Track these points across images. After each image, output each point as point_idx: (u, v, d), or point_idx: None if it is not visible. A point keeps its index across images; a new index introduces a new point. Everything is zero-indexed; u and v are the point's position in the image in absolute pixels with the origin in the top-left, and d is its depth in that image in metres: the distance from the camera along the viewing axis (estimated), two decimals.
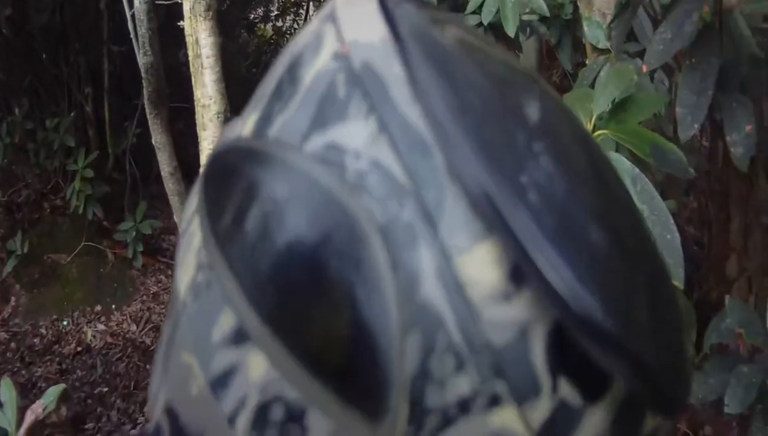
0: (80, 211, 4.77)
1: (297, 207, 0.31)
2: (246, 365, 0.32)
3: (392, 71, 0.32)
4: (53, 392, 2.71)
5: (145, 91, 3.17)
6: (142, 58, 3.10)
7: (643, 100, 1.72)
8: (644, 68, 1.77)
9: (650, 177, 2.41)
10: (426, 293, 0.30)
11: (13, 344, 4.37)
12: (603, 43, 2.07)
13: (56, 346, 4.39)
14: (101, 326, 4.50)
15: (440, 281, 0.30)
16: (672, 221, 1.56)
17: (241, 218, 0.33)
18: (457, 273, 0.30)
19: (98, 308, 4.60)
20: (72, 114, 5.04)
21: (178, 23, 2.78)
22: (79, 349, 4.34)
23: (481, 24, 2.70)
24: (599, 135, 1.63)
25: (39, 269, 4.81)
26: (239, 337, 0.32)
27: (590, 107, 1.71)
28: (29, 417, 2.53)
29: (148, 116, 3.18)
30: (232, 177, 0.34)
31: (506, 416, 0.30)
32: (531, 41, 3.16)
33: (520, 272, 0.30)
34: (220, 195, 0.34)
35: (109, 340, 4.35)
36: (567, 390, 0.31)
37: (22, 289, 4.71)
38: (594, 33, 2.08)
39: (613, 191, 0.37)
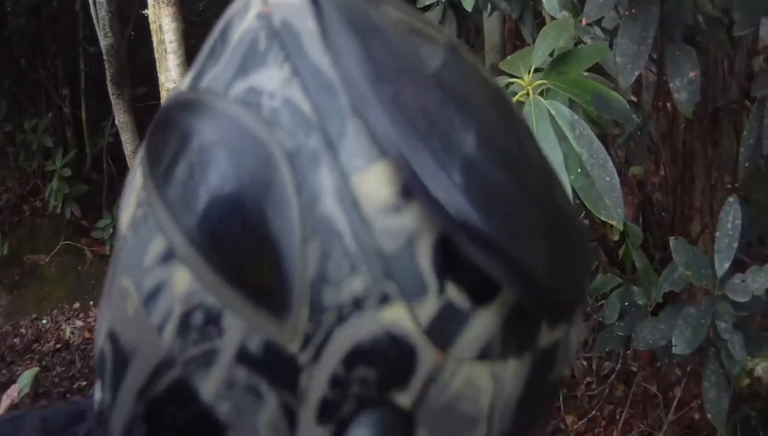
0: (58, 210, 4.77)
1: (220, 143, 0.36)
2: (172, 280, 0.37)
3: (307, 27, 0.37)
4: (28, 375, 2.71)
5: (107, 73, 3.18)
6: (103, 40, 3.11)
7: (583, 51, 1.71)
8: (583, 21, 1.76)
9: (614, 152, 2.41)
10: (325, 208, 0.34)
11: None
12: (559, 13, 2.05)
13: (36, 344, 4.39)
14: (79, 323, 4.49)
15: (338, 198, 0.34)
16: (611, 164, 1.54)
17: (174, 158, 0.38)
18: (353, 190, 0.34)
19: (77, 305, 4.59)
20: (50, 115, 5.04)
21: (143, 11, 2.80)
22: (58, 346, 4.34)
23: (439, 2, 2.70)
24: (538, 85, 1.63)
25: (19, 270, 4.81)
26: (168, 257, 0.37)
27: (529, 61, 1.70)
28: (5, 401, 2.54)
29: (111, 97, 3.18)
30: (168, 125, 0.40)
31: (396, 312, 0.34)
32: (494, 18, 3.15)
33: (410, 189, 0.34)
34: (158, 142, 0.40)
35: (87, 335, 4.35)
36: (454, 293, 0.34)
37: (2, 290, 4.71)
38: (551, 3, 2.07)
39: (513, 133, 0.41)
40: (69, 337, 4.38)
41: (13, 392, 2.58)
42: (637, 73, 1.70)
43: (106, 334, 0.41)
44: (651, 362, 2.65)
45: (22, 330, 4.50)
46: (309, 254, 0.34)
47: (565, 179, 1.52)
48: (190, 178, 0.37)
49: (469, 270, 0.34)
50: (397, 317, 0.34)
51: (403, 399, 0.35)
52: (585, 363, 2.86)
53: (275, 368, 0.35)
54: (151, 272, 0.38)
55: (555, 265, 0.36)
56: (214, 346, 0.36)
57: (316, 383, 0.35)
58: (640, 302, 2.01)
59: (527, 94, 1.61)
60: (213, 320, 0.36)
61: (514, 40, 3.76)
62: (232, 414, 0.36)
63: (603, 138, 1.66)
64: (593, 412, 2.70)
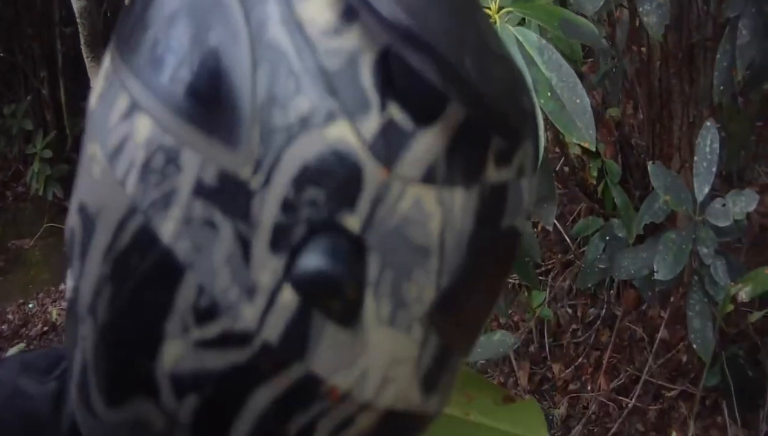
0: (41, 193, 4.73)
1: None
2: (134, 131, 0.38)
3: None
4: (15, 351, 2.70)
5: (81, 36, 3.13)
6: (76, 3, 3.06)
7: None
8: None
9: (590, 94, 2.38)
10: (272, 34, 0.36)
11: None
12: None
13: (23, 329, 4.34)
14: (66, 304, 4.45)
15: (284, 24, 0.36)
16: (581, 86, 1.52)
17: (134, 25, 0.40)
18: (297, 16, 0.36)
19: (62, 286, 4.55)
20: (29, 98, 5.00)
21: None
22: (45, 329, 4.30)
23: None
24: (506, 12, 1.60)
25: (4, 256, 4.78)
26: (130, 110, 0.38)
27: None
28: None
29: (86, 61, 3.13)
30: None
31: (340, 129, 0.36)
32: None
33: (351, 10, 0.36)
34: (124, 18, 0.41)
35: None
36: (396, 110, 0.36)
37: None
38: None
39: None
40: (56, 319, 4.34)
41: None
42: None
43: (76, 210, 0.41)
44: (636, 305, 2.63)
45: (9, 316, 4.46)
46: (258, 78, 0.36)
47: (536, 103, 1.48)
48: (145, 29, 0.39)
49: (412, 88, 0.36)
50: (342, 133, 0.36)
51: (352, 221, 0.36)
52: (570, 311, 2.84)
53: (229, 196, 0.36)
54: (116, 129, 0.39)
55: (499, 82, 0.38)
56: (173, 184, 0.37)
57: (267, 208, 0.36)
58: (620, 235, 1.98)
59: (495, 22, 1.59)
60: (172, 159, 0.37)
61: None
62: (191, 252, 0.37)
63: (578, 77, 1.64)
64: (580, 359, 2.68)
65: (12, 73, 5.21)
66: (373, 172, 0.36)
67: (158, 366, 0.38)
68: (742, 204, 1.65)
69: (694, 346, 1.80)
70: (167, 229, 0.37)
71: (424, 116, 0.36)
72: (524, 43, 1.52)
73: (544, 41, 1.54)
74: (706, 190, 1.67)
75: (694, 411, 2.22)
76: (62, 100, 5.00)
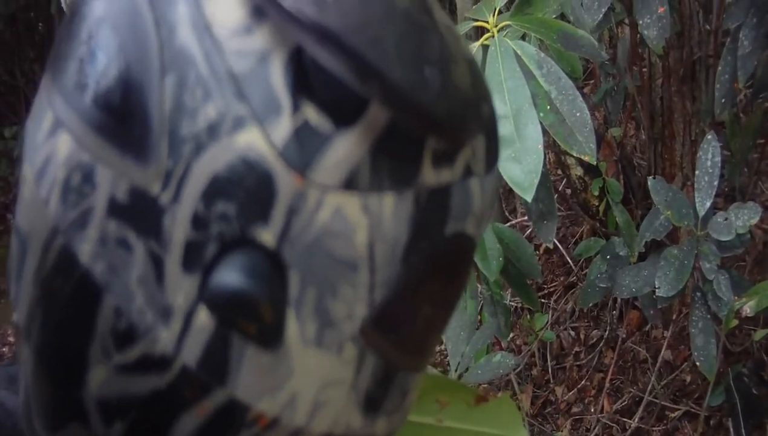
0: None
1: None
2: (57, 149, 0.36)
3: None
4: None
5: None
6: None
7: None
8: None
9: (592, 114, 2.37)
10: (181, 38, 0.34)
11: None
12: None
13: None
14: None
15: (192, 27, 0.34)
16: (581, 100, 1.50)
17: (59, 42, 0.38)
18: (206, 17, 0.34)
19: None
20: None
21: None
22: None
23: None
24: (504, 26, 1.59)
25: (5, 278, 4.76)
26: (54, 128, 0.36)
27: (493, 3, 1.66)
28: None
29: None
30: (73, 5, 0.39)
31: (250, 136, 0.33)
32: None
33: (261, 9, 0.34)
34: (61, 33, 0.39)
35: None
36: (311, 112, 0.33)
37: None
38: None
39: None
40: None
41: None
42: (603, 10, 1.66)
43: (14, 232, 0.40)
44: (639, 326, 2.60)
45: (11, 338, 4.45)
46: (166, 87, 0.34)
47: (535, 117, 1.47)
48: (67, 45, 0.37)
49: (328, 87, 0.33)
50: (251, 139, 0.33)
51: (266, 236, 0.33)
52: (572, 333, 2.81)
53: (140, 214, 0.34)
54: (42, 148, 0.37)
55: (434, 80, 0.34)
56: (90, 203, 0.35)
57: (178, 225, 0.34)
58: (621, 254, 1.95)
59: (492, 36, 1.57)
60: (88, 177, 0.35)
61: None
62: (107, 274, 0.35)
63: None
64: (583, 382, 2.65)
65: (13, 95, 5.21)
66: (285, 180, 0.33)
67: (86, 392, 0.37)
68: (744, 217, 1.62)
69: (698, 364, 1.77)
70: (85, 250, 0.35)
71: (342, 116, 0.34)
72: (523, 56, 1.51)
73: (543, 54, 1.53)
74: (708, 204, 1.65)
75: (699, 431, 2.18)
76: None
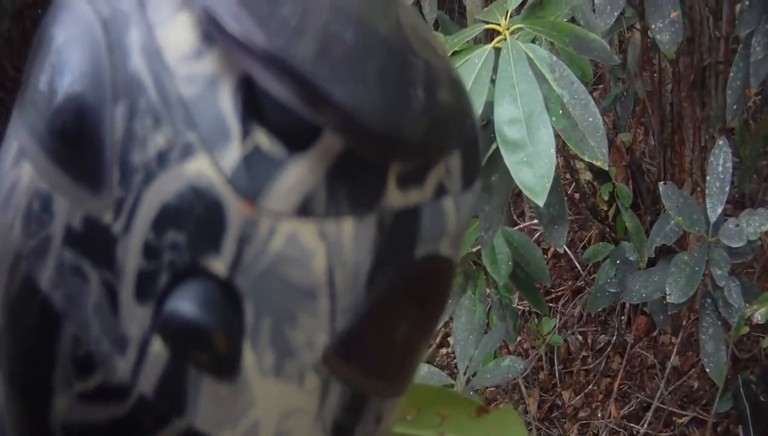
0: None
1: (54, 21, 0.37)
2: (20, 177, 0.36)
3: None
4: None
5: None
6: None
7: None
8: None
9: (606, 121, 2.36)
10: (133, 65, 0.33)
11: None
12: None
13: None
14: None
15: (144, 52, 0.33)
16: (593, 104, 1.50)
17: (28, 68, 0.37)
18: (157, 42, 0.33)
19: None
20: None
21: None
22: None
23: None
24: (516, 29, 1.58)
25: None
26: (18, 156, 0.36)
27: (505, 6, 1.66)
28: None
29: None
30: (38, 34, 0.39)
31: (199, 163, 0.32)
32: None
33: (211, 33, 0.32)
34: (28, 62, 0.38)
35: None
36: (262, 138, 0.32)
37: None
38: None
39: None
40: None
41: None
42: (616, 14, 1.66)
43: None
44: (647, 332, 2.60)
45: None
46: (117, 114, 0.33)
47: (547, 121, 1.47)
48: (32, 72, 0.36)
49: (279, 112, 0.32)
50: (200, 167, 0.32)
51: (218, 265, 0.33)
52: (580, 337, 2.80)
53: (94, 243, 0.34)
54: (7, 176, 0.37)
55: (388, 104, 0.32)
56: (48, 232, 0.35)
57: (130, 254, 0.33)
58: (631, 259, 1.95)
59: (504, 38, 1.57)
60: (45, 206, 0.35)
61: None
62: (65, 302, 0.35)
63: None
64: (590, 386, 2.64)
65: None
66: (235, 208, 0.32)
67: (53, 418, 0.36)
68: (755, 224, 1.62)
69: (707, 370, 1.76)
70: (45, 278, 0.35)
71: (294, 141, 0.32)
72: (535, 60, 1.50)
73: (555, 58, 1.52)
74: (719, 210, 1.65)
75: None
76: None
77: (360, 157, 0.33)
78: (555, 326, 2.74)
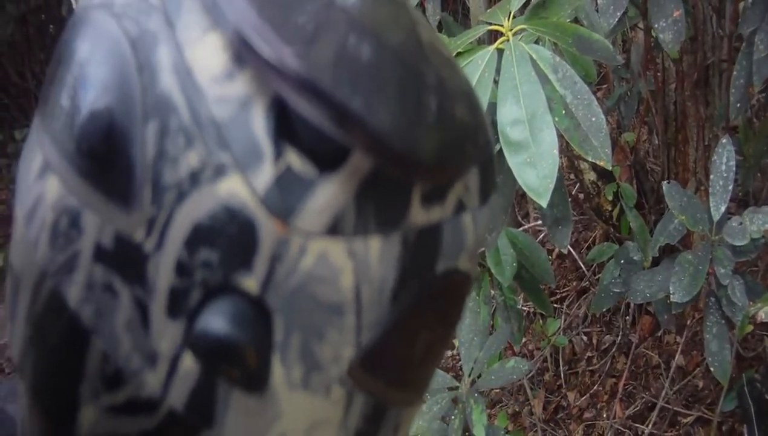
0: None
1: (76, 42, 0.36)
2: (46, 191, 0.36)
3: None
4: None
5: None
6: None
7: None
8: None
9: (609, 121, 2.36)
10: (163, 84, 0.33)
11: None
12: None
13: None
14: None
15: (174, 72, 0.33)
16: (596, 104, 1.49)
17: (50, 81, 0.37)
18: (187, 62, 0.33)
19: None
20: None
21: None
22: None
23: None
24: (519, 30, 1.58)
25: None
26: (43, 170, 0.36)
27: (508, 7, 1.66)
28: None
29: None
30: (59, 47, 0.39)
31: (232, 183, 0.33)
32: None
33: (242, 55, 0.33)
34: (48, 74, 0.39)
35: None
36: (294, 158, 0.33)
37: (0, 302, 4.67)
38: None
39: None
40: None
41: None
42: (619, 14, 1.66)
43: (7, 269, 0.40)
44: (652, 332, 2.59)
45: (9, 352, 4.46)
46: (148, 133, 0.33)
47: (550, 122, 1.47)
48: (56, 86, 0.37)
49: (310, 133, 0.33)
50: (233, 187, 0.33)
51: (250, 283, 0.33)
52: (585, 338, 2.80)
53: (125, 260, 0.34)
54: (31, 189, 0.37)
55: (412, 124, 0.33)
56: (76, 248, 0.35)
57: (162, 272, 0.34)
58: (635, 258, 1.95)
59: (507, 39, 1.57)
60: (74, 222, 0.35)
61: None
62: (94, 319, 0.35)
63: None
64: (595, 387, 2.64)
65: (24, 97, 5.23)
66: (268, 228, 0.33)
67: (78, 430, 0.37)
68: (759, 222, 1.62)
69: (712, 369, 1.76)
70: (73, 294, 0.35)
71: (325, 162, 0.33)
72: (538, 60, 1.50)
73: (558, 58, 1.52)
74: (723, 208, 1.64)
75: None
76: None
77: (387, 177, 0.33)
78: (560, 327, 2.74)
